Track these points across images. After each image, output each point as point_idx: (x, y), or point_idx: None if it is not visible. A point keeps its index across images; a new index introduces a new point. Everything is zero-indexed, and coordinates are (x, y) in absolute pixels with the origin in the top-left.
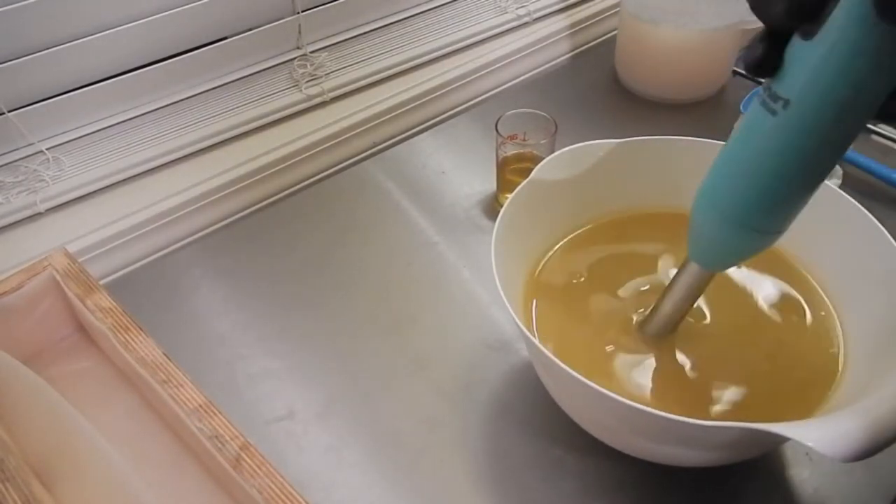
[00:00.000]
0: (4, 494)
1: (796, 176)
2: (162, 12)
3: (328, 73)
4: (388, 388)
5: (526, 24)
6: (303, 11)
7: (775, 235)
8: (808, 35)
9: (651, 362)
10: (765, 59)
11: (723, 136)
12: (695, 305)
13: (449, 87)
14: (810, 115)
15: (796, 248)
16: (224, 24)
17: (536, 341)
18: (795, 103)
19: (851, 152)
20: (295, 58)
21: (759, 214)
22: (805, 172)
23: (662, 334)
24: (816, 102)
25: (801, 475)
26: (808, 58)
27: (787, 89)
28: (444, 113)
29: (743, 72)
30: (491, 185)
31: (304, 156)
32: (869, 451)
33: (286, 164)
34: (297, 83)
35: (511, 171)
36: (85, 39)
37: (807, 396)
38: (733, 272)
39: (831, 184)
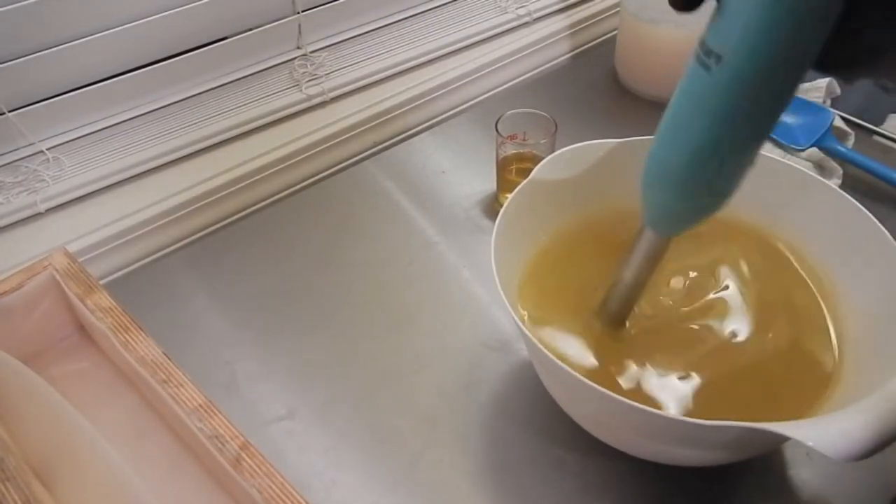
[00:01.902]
0: (4, 494)
1: (736, 135)
2: (162, 12)
3: (328, 73)
4: (388, 387)
5: (526, 24)
6: (303, 11)
7: (725, 198)
8: None
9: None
10: None
11: None
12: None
13: (449, 87)
14: (745, 70)
15: (795, 247)
16: (224, 24)
17: (536, 341)
18: (729, 58)
19: (851, 152)
20: (295, 58)
21: (704, 177)
22: (745, 130)
23: (623, 314)
24: (749, 56)
25: (801, 475)
26: (737, 6)
27: (719, 43)
28: (444, 113)
29: None
30: (491, 185)
31: (304, 156)
32: (869, 451)
33: (286, 164)
34: (298, 83)
35: (511, 171)
36: (85, 39)
37: (807, 396)
38: (733, 273)
39: (831, 184)
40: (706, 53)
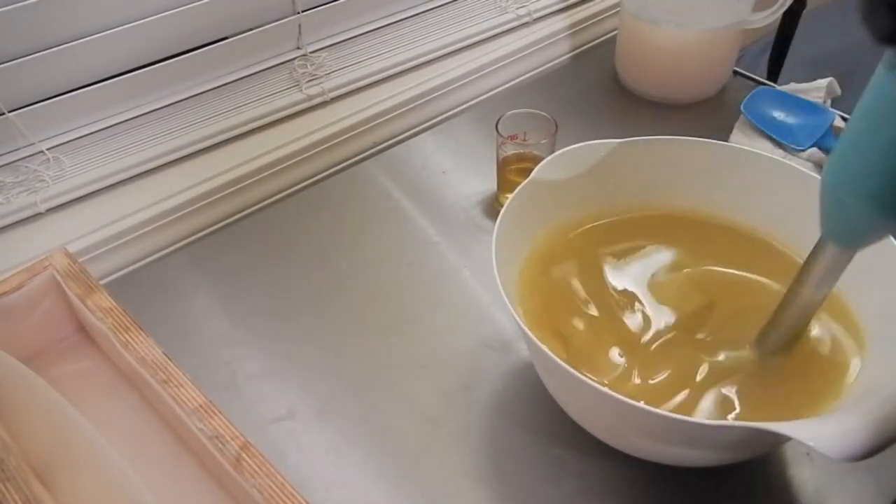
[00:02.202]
0: (4, 494)
1: None
2: (162, 12)
3: (328, 73)
4: (388, 387)
5: (526, 24)
6: (303, 11)
7: None
8: None
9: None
10: None
11: (723, 136)
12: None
13: (449, 87)
14: None
15: (796, 247)
16: (224, 24)
17: (538, 341)
18: None
19: None
20: (295, 58)
21: None
22: None
23: (796, 335)
24: None
25: (801, 475)
26: None
27: None
28: (444, 113)
29: (744, 72)
30: (491, 185)
31: (304, 156)
32: (870, 452)
33: (286, 164)
34: (298, 83)
35: (511, 171)
36: (85, 39)
37: (808, 396)
38: (737, 274)
39: None
40: None
